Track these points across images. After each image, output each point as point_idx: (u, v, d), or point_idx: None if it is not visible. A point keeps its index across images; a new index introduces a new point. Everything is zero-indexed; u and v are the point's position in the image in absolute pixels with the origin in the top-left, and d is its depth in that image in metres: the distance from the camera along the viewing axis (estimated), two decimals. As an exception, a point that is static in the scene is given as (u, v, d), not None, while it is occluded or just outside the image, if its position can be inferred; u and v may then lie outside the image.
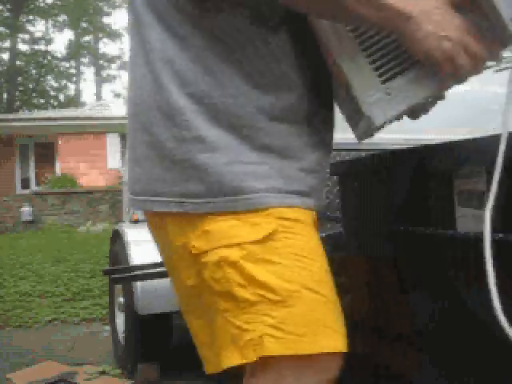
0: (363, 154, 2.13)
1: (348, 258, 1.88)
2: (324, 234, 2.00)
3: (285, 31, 0.96)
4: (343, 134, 2.19)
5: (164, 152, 0.93)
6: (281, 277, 0.90)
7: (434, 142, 1.49)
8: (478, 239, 1.27)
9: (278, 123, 0.96)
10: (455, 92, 2.50)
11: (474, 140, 1.31)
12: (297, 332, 0.90)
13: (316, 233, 1.05)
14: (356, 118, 1.10)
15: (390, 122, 1.05)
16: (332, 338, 0.97)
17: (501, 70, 2.66)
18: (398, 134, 2.21)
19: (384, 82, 1.00)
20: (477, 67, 0.94)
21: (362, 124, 1.07)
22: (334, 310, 1.04)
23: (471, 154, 1.30)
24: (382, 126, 1.03)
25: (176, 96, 0.92)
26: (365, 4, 0.87)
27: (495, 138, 1.25)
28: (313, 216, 1.05)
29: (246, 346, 0.89)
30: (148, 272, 2.67)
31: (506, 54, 2.74)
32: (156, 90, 0.94)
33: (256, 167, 0.93)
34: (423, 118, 2.37)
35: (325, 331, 0.96)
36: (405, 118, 2.38)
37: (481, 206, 1.30)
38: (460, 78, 0.98)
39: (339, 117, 2.18)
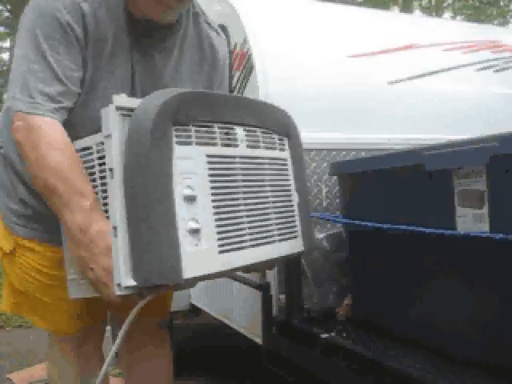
0: (363, 153, 2.13)
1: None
2: (324, 234, 2.00)
3: None
4: (344, 134, 2.19)
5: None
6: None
7: (433, 142, 1.49)
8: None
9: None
10: (455, 92, 2.51)
11: (474, 140, 1.31)
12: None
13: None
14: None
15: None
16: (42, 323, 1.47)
17: (501, 70, 2.66)
18: (398, 134, 2.22)
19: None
20: (113, 301, 1.08)
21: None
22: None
23: (471, 154, 1.30)
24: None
25: None
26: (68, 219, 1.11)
27: (495, 138, 1.25)
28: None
29: None
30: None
31: (506, 54, 2.74)
32: None
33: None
34: (423, 118, 2.37)
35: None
36: (405, 116, 2.38)
37: (481, 205, 1.30)
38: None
39: (341, 118, 2.18)
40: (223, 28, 2.35)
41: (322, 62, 2.25)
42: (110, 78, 1.25)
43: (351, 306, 1.86)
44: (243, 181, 1.19)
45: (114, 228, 1.03)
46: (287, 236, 1.31)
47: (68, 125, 1.19)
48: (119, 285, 1.02)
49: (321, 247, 1.95)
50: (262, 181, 1.26)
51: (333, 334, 1.71)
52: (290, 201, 1.35)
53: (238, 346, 2.78)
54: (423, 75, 2.40)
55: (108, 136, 1.04)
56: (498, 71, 2.65)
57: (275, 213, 1.27)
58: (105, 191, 1.09)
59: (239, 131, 1.21)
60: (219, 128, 1.16)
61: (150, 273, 0.99)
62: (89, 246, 1.08)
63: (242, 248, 1.16)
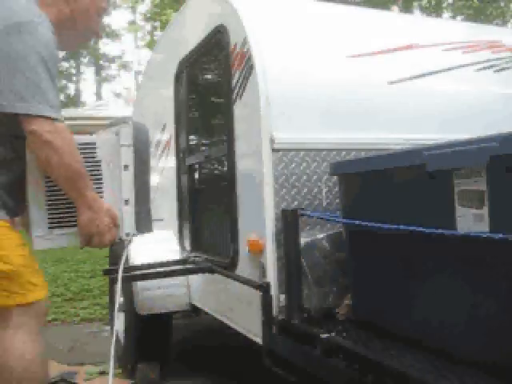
0: (363, 153, 2.13)
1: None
2: (324, 234, 2.00)
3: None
4: (344, 134, 2.20)
5: None
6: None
7: (433, 142, 1.50)
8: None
9: None
10: (455, 92, 2.51)
11: (474, 140, 1.31)
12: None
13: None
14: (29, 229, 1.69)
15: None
16: (36, 291, 1.60)
17: (501, 70, 2.66)
18: (398, 134, 2.22)
19: (51, 227, 1.65)
20: (100, 246, 1.69)
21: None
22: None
23: (471, 154, 1.30)
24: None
25: None
26: (72, 181, 1.56)
27: (495, 138, 1.25)
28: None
29: None
30: (148, 272, 2.67)
31: (505, 54, 2.74)
32: None
33: None
34: (423, 118, 2.37)
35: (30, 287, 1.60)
36: (405, 116, 2.37)
37: (481, 205, 1.30)
38: (90, 246, 1.68)
39: (341, 118, 2.18)
40: (223, 28, 2.36)
41: (321, 62, 2.25)
42: None
43: (351, 306, 1.86)
44: None
45: (126, 200, 1.75)
46: None
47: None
48: (128, 234, 1.76)
49: (321, 247, 1.95)
50: None
51: (333, 334, 1.71)
52: None
53: (237, 346, 2.78)
54: (423, 75, 2.40)
55: (128, 145, 1.75)
56: (498, 71, 2.65)
57: None
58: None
59: None
60: None
61: (145, 227, 1.81)
62: (97, 210, 1.62)
63: None
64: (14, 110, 1.47)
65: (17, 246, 1.58)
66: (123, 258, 1.82)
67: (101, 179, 1.71)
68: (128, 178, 1.74)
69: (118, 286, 1.81)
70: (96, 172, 1.70)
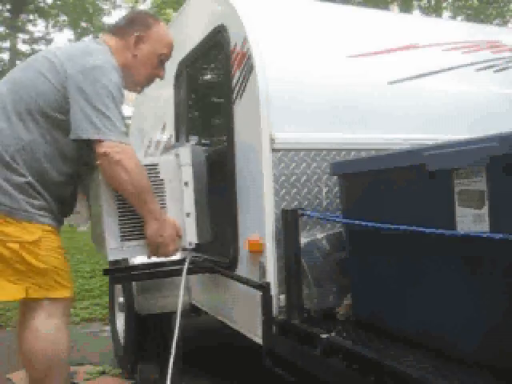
0: (363, 153, 2.13)
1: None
2: (324, 234, 2.00)
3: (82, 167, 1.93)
4: (344, 134, 2.20)
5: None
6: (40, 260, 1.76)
7: (433, 142, 1.50)
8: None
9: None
10: (455, 92, 2.50)
11: (474, 140, 1.31)
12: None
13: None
14: (102, 243, 1.92)
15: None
16: (63, 290, 1.84)
17: (501, 70, 2.66)
18: (398, 134, 2.22)
19: (122, 240, 1.88)
20: (166, 256, 1.96)
21: (102, 250, 1.93)
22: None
23: (471, 154, 1.30)
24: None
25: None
26: (141, 197, 1.80)
27: (495, 138, 1.25)
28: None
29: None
30: (148, 272, 2.67)
31: (506, 54, 2.74)
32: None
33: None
34: (423, 118, 2.37)
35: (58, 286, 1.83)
36: (404, 116, 2.37)
37: (481, 205, 1.30)
38: (157, 255, 1.95)
39: (341, 118, 2.18)
40: (223, 28, 2.36)
41: (321, 62, 2.25)
42: None
43: (351, 306, 1.86)
44: None
45: (188, 213, 1.98)
46: None
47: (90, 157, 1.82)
48: (190, 243, 1.99)
49: (321, 247, 1.95)
50: None
51: (333, 334, 1.71)
52: None
53: (237, 345, 2.78)
54: (423, 75, 2.40)
55: (187, 164, 1.99)
56: (498, 71, 2.65)
57: None
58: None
59: None
60: None
61: (205, 237, 2.03)
62: (163, 222, 1.86)
63: None
64: (89, 137, 1.73)
65: (54, 249, 1.81)
66: (185, 266, 2.11)
67: (164, 195, 1.94)
68: (189, 193, 1.97)
69: (182, 285, 2.10)
70: (160, 189, 1.93)
